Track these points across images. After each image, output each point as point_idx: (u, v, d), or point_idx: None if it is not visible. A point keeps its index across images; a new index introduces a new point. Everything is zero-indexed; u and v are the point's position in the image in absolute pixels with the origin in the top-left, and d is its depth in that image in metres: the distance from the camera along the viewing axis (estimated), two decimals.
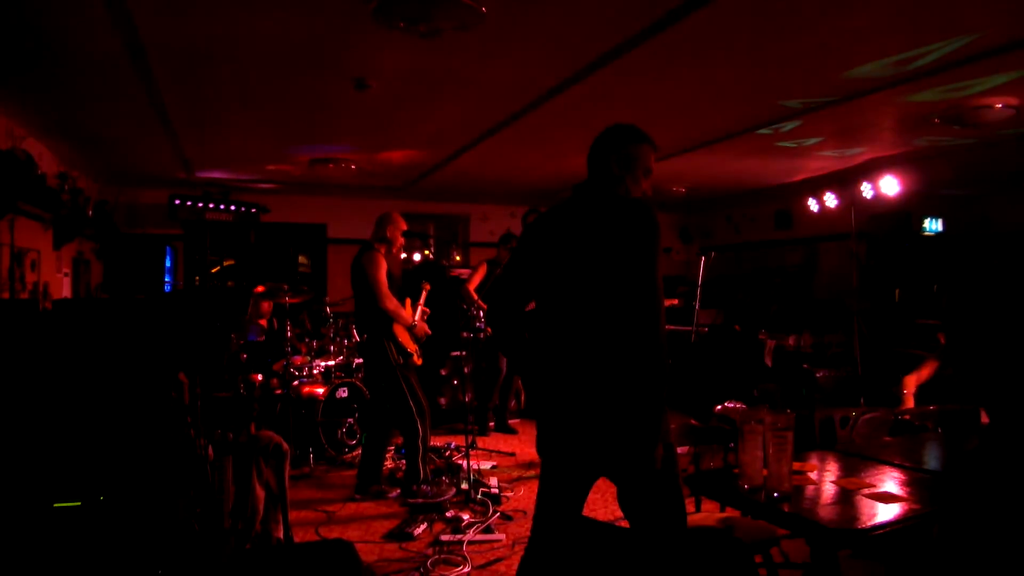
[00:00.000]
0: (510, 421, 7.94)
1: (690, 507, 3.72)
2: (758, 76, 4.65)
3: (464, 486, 5.36)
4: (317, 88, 4.91)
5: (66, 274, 7.30)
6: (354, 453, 6.52)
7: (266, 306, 6.94)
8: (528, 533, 4.59)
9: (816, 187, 8.31)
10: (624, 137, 2.73)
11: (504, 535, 4.61)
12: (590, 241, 2.57)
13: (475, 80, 4.74)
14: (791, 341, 8.19)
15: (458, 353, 8.06)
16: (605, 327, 2.50)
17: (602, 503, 5.13)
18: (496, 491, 5.40)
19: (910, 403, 4.91)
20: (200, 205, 8.62)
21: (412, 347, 5.45)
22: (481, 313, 6.71)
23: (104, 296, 8.30)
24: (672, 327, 9.91)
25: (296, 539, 4.43)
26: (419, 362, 5.58)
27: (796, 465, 3.17)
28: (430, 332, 5.65)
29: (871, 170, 7.35)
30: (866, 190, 7.42)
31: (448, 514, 4.89)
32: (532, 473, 6.10)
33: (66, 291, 7.27)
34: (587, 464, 2.63)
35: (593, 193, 2.69)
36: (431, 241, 10.78)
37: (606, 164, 2.69)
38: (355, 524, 4.88)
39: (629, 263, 2.49)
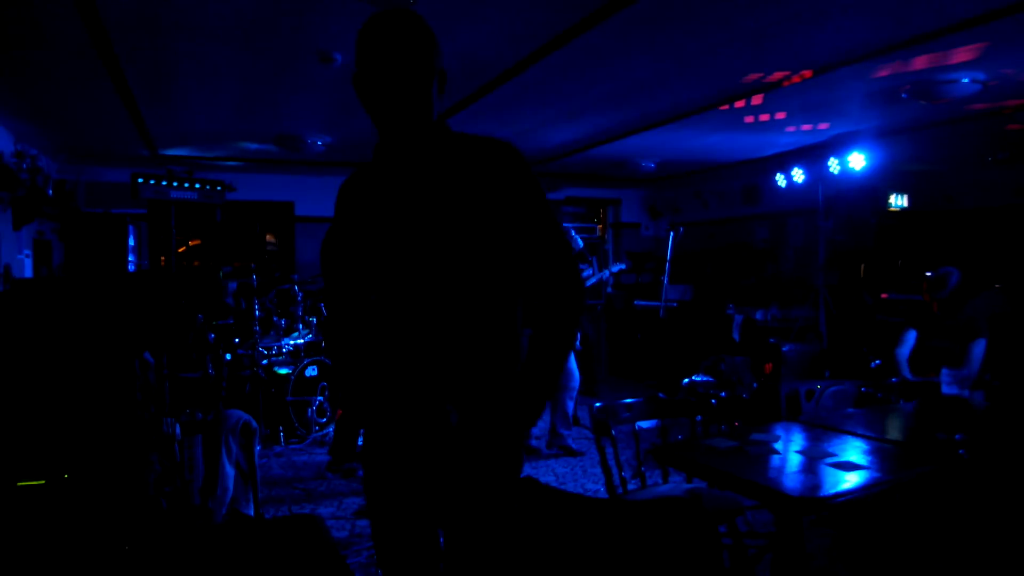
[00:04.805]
0: None
1: (657, 478, 3.77)
2: (726, 49, 4.65)
3: None
4: (280, 62, 4.82)
5: (27, 255, 7.16)
6: (324, 431, 6.50)
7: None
8: None
9: (784, 163, 8.35)
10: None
11: None
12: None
13: (443, 51, 4.68)
14: (758, 315, 8.30)
15: None
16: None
17: (571, 476, 5.17)
18: None
19: (910, 372, 5.06)
20: (164, 184, 8.47)
21: None
22: None
23: (66, 276, 8.16)
24: (642, 302, 9.98)
25: (267, 517, 4.42)
26: None
27: (762, 436, 3.23)
28: None
29: (838, 146, 7.40)
30: (833, 165, 7.48)
31: None
32: None
33: (27, 272, 7.14)
34: None
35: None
36: None
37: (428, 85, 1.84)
38: (327, 501, 4.88)
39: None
